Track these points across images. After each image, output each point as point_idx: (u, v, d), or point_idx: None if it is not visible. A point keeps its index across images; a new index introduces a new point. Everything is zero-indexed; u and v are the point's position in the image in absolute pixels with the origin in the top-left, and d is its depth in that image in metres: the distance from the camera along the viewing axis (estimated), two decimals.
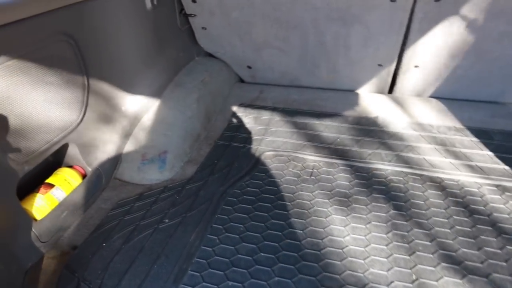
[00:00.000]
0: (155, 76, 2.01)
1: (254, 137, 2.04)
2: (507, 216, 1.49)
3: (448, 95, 2.21)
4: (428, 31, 1.90)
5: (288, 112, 2.22)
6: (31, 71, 1.29)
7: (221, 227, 1.48)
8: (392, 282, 1.24)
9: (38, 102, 1.35)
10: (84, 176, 1.62)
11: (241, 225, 1.48)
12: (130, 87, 1.82)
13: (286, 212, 1.54)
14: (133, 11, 1.82)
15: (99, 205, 1.62)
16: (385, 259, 1.32)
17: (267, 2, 1.98)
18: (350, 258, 1.33)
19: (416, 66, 2.10)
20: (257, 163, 1.84)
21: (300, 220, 1.50)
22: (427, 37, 1.92)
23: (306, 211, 1.55)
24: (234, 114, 2.24)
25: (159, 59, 2.05)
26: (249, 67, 2.45)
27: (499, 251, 1.34)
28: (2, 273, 1.18)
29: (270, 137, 2.03)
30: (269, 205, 1.58)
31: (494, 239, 1.39)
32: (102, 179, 1.67)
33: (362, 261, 1.32)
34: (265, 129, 2.10)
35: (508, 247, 1.36)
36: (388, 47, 2.03)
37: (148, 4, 1.90)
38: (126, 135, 1.80)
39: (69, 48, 1.44)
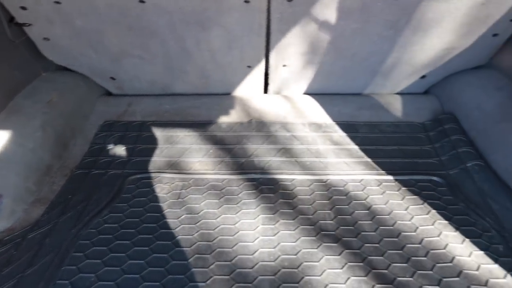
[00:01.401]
0: None
1: (118, 160, 1.82)
2: (367, 211, 1.52)
3: (320, 91, 2.23)
4: (287, 31, 1.85)
5: (159, 125, 2.04)
6: None
7: (67, 282, 1.26)
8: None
9: None
10: None
11: (92, 275, 1.28)
12: None
13: (146, 248, 1.38)
14: None
15: None
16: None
17: (112, 8, 1.75)
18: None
19: (284, 65, 2.06)
20: (119, 192, 1.63)
21: (162, 255, 1.35)
22: (288, 37, 1.88)
23: (170, 242, 1.40)
24: (97, 135, 1.98)
25: None
26: (113, 78, 2.19)
27: (358, 250, 1.36)
28: None
29: (137, 157, 1.84)
30: (128, 242, 1.41)
31: (355, 239, 1.40)
32: None
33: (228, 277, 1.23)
34: (132, 149, 1.89)
35: (366, 244, 1.38)
36: (253, 48, 1.96)
37: None
38: None
39: None
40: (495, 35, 1.84)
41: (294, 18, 1.79)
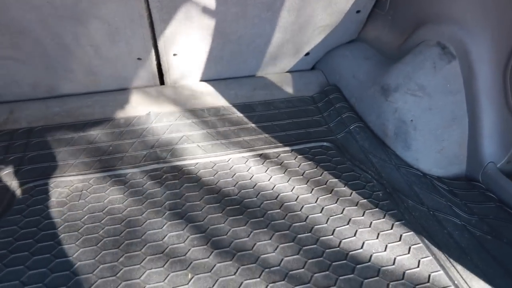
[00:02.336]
0: None
1: (6, 171, 1.67)
2: (267, 182, 1.64)
3: (215, 77, 2.29)
4: (171, 20, 1.86)
5: (50, 129, 1.91)
6: None
7: None
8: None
9: None
10: None
11: None
12: None
13: (48, 255, 1.31)
14: None
15: None
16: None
17: None
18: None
19: (175, 55, 2.07)
20: (9, 206, 1.51)
21: (66, 259, 1.30)
22: (173, 25, 1.89)
23: (74, 244, 1.35)
24: None
25: None
26: None
27: (261, 218, 1.47)
28: None
29: (28, 165, 1.70)
30: (27, 253, 1.32)
31: (258, 208, 1.51)
32: None
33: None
34: (21, 158, 1.75)
35: (269, 211, 1.49)
36: (140, 40, 1.92)
37: None
38: None
39: None
40: (358, 11, 2.09)
41: (175, 6, 1.80)
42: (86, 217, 1.47)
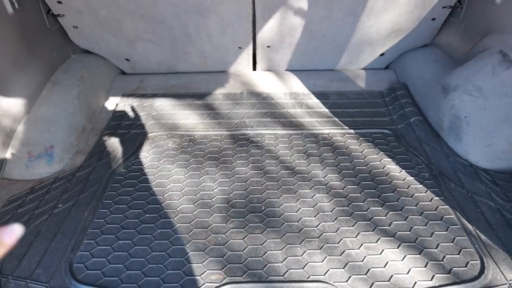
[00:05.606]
0: (30, 77, 2.11)
1: (137, 122, 2.29)
2: (331, 154, 2.02)
3: (298, 68, 2.71)
4: (269, 18, 2.32)
5: (167, 96, 2.51)
6: None
7: (111, 201, 1.74)
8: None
9: None
10: None
11: (129, 197, 1.77)
12: (4, 90, 1.91)
13: (166, 180, 1.86)
14: None
15: None
16: (243, 200, 1.74)
17: (130, 1, 2.21)
18: (217, 205, 1.72)
19: (268, 46, 2.53)
20: (141, 145, 2.11)
21: (178, 184, 1.84)
22: (270, 22, 2.35)
23: (183, 176, 1.89)
24: (118, 105, 2.45)
25: (32, 61, 2.15)
26: (128, 60, 2.65)
27: (324, 186, 1.86)
28: None
29: (152, 120, 2.31)
30: (152, 176, 1.89)
31: (323, 179, 1.90)
32: None
33: (226, 205, 1.72)
34: (147, 115, 2.36)
35: (330, 179, 1.88)
36: (243, 32, 2.42)
37: (9, 9, 1.98)
38: (8, 136, 1.92)
39: None
40: (433, 19, 2.34)
41: (274, 8, 2.26)
42: (192, 160, 2.00)
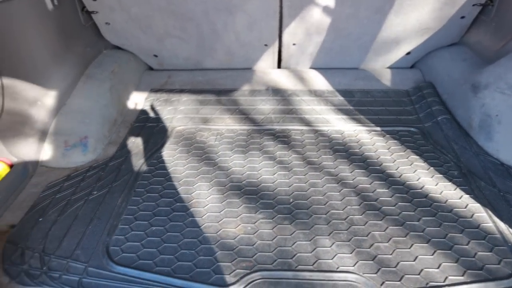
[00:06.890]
0: (66, 70, 2.19)
1: (166, 116, 2.35)
2: (357, 150, 2.03)
3: (323, 66, 2.72)
4: (296, 16, 2.35)
5: (194, 92, 2.57)
6: None
7: (142, 190, 1.80)
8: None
9: None
10: (11, 166, 1.81)
11: (160, 186, 1.82)
12: (43, 83, 2.00)
13: (196, 172, 1.91)
14: (34, 12, 1.98)
15: (29, 190, 1.82)
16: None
17: None
18: (246, 196, 1.75)
19: (294, 44, 2.56)
20: (169, 137, 2.16)
21: (207, 176, 1.88)
22: (296, 20, 2.38)
23: (211, 168, 1.93)
24: (146, 99, 2.52)
25: (68, 55, 2.23)
26: (156, 56, 2.72)
27: (351, 181, 1.87)
28: None
29: (180, 115, 2.36)
30: (182, 168, 1.94)
31: (349, 174, 1.91)
32: (28, 167, 1.86)
33: (255, 196, 1.75)
34: (175, 109, 2.42)
35: (358, 177, 1.89)
36: (269, 30, 2.46)
37: (49, 5, 2.07)
38: (46, 126, 2.00)
39: None
40: (462, 17, 2.32)
41: (301, 5, 2.29)
42: (220, 152, 2.04)
